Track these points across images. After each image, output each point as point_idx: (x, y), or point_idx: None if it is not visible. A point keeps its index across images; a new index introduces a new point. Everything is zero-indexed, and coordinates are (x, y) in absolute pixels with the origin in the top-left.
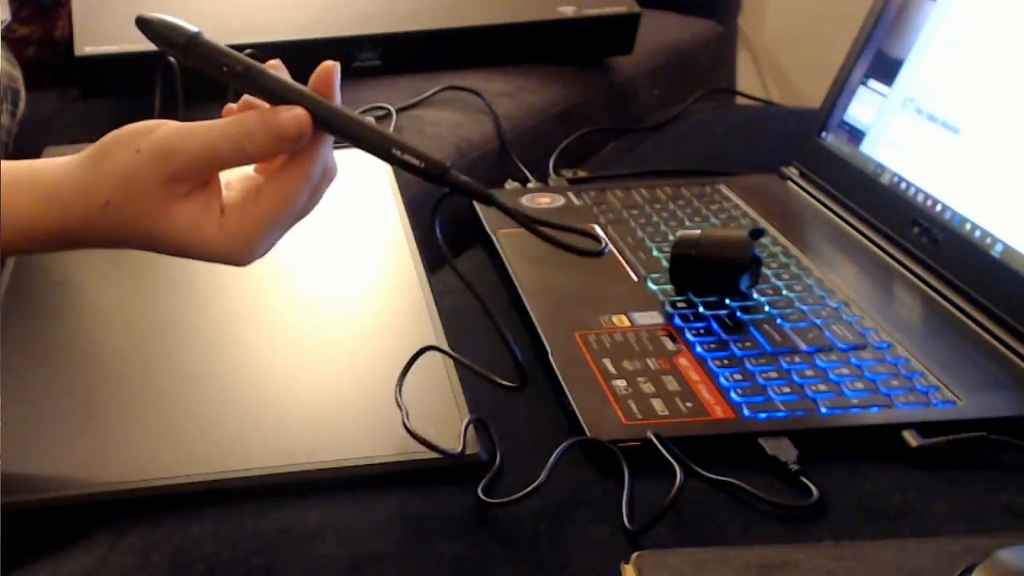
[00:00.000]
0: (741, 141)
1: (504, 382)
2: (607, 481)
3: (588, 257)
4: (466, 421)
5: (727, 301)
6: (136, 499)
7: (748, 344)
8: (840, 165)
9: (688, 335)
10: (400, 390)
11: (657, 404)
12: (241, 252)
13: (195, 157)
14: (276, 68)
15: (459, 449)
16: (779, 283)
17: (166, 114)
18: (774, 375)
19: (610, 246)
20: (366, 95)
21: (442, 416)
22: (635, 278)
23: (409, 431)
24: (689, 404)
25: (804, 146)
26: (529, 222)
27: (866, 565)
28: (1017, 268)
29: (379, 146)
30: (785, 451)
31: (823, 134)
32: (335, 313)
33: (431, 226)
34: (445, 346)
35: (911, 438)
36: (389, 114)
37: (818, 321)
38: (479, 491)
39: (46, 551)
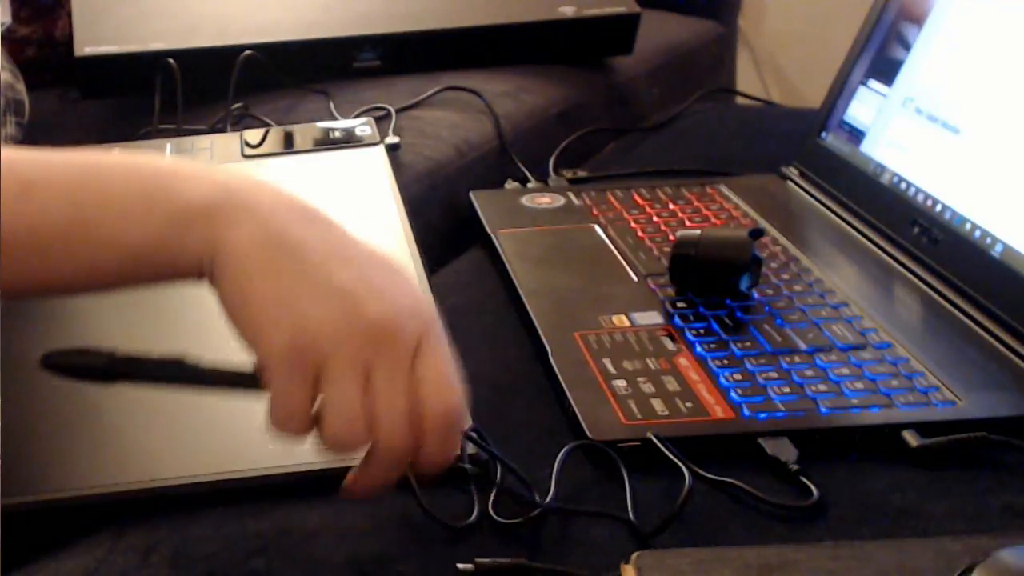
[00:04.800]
0: (741, 141)
1: None
2: (607, 481)
3: None
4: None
5: (727, 301)
6: (136, 499)
7: (748, 344)
8: (840, 165)
9: (688, 335)
10: None
11: (657, 404)
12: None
13: None
14: None
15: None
16: (779, 283)
17: (165, 114)
18: (774, 375)
19: None
20: (366, 95)
21: None
22: (635, 278)
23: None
24: (689, 404)
25: (804, 146)
26: None
27: (866, 565)
28: (1017, 268)
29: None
30: (785, 451)
31: (823, 134)
32: None
33: (431, 226)
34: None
35: (911, 438)
36: (389, 114)
37: (818, 321)
38: (489, 507)
39: (46, 551)
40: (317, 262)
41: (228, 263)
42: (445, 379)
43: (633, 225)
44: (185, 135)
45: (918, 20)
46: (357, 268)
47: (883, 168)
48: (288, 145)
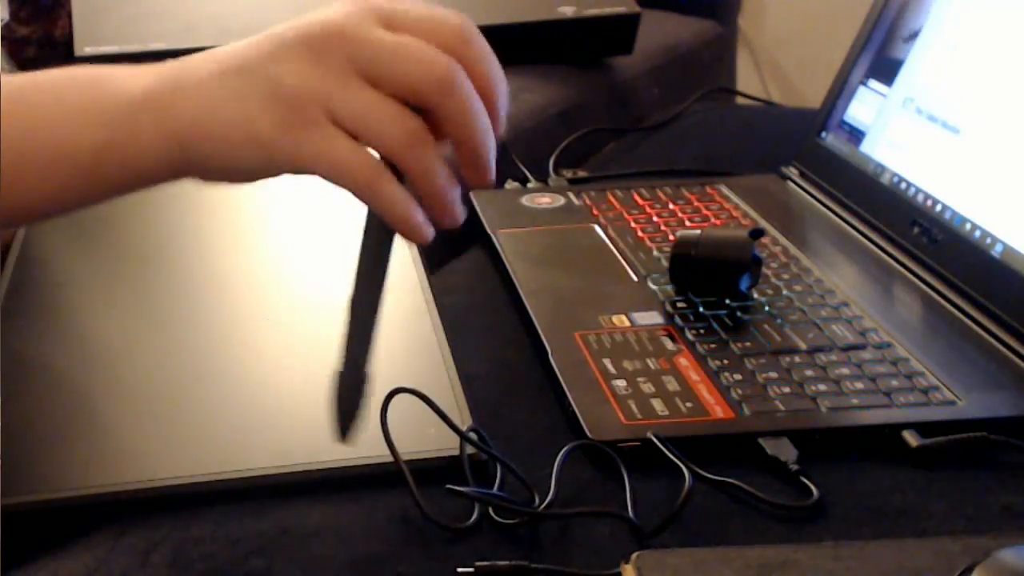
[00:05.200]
0: (741, 141)
1: None
2: (607, 481)
3: None
4: (465, 430)
5: (727, 301)
6: (136, 499)
7: (748, 344)
8: (840, 165)
9: (688, 335)
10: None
11: (657, 404)
12: None
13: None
14: None
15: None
16: (779, 283)
17: None
18: (774, 375)
19: None
20: None
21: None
22: (635, 278)
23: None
24: (689, 404)
25: (804, 146)
26: None
27: (866, 565)
28: (1017, 268)
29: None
30: (785, 451)
31: (823, 134)
32: (335, 313)
33: None
34: (445, 348)
35: (911, 438)
36: None
37: (818, 321)
38: (489, 507)
39: (46, 551)
40: (254, 54)
41: (191, 127)
42: (432, 11)
43: (633, 225)
44: None
45: (918, 20)
46: (283, 27)
47: (883, 168)
48: None
